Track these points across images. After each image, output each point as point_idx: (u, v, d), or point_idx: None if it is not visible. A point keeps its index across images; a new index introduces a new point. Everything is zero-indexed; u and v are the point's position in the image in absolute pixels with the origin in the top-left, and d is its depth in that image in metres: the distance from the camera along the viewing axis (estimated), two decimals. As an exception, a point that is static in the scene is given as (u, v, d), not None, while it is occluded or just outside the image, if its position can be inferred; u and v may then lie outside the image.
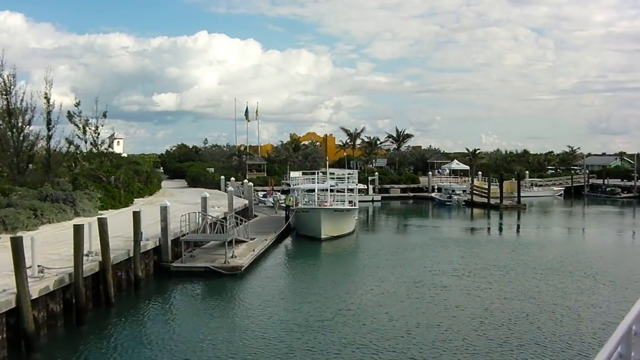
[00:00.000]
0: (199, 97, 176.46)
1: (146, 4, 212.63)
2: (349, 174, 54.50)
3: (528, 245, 42.69)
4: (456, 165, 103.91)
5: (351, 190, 51.40)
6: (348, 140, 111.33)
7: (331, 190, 49.46)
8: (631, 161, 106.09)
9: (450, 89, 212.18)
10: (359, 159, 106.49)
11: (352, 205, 48.90)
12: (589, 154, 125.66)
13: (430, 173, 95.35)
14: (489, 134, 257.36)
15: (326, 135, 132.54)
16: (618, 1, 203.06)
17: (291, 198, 50.37)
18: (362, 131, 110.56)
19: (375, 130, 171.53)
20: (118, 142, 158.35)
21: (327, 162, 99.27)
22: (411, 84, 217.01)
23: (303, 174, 57.64)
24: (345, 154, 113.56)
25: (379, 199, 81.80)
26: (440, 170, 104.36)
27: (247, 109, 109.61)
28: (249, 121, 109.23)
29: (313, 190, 48.32)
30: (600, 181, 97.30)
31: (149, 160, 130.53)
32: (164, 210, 32.20)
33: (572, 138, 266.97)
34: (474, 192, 77.11)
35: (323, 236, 43.15)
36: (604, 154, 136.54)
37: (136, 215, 28.95)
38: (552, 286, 28.48)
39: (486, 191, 73.77)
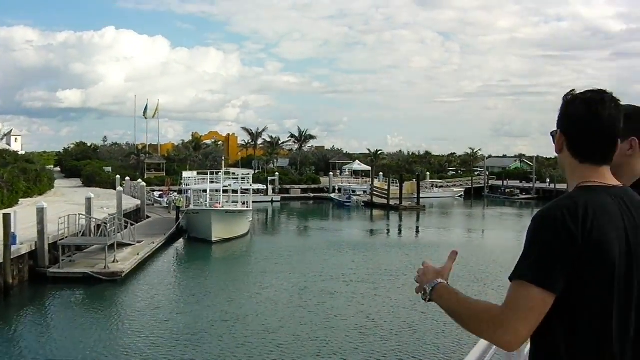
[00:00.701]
0: (105, 94, 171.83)
1: None
2: (243, 174, 53.00)
3: (421, 248, 43.74)
4: (357, 166, 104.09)
5: (246, 190, 50.98)
6: (250, 140, 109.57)
7: (225, 191, 48.72)
8: (530, 163, 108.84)
9: (358, 90, 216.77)
10: (260, 159, 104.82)
11: (245, 207, 48.26)
12: (490, 156, 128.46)
13: (331, 174, 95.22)
14: (395, 135, 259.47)
15: (228, 134, 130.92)
16: (521, 8, 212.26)
17: (181, 199, 49.45)
18: (263, 131, 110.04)
19: (282, 130, 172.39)
20: (16, 139, 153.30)
21: (225, 162, 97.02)
22: (319, 84, 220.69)
23: (198, 173, 55.68)
24: (247, 153, 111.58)
25: (279, 199, 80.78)
26: (341, 170, 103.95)
27: (146, 106, 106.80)
28: (146, 118, 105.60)
29: (206, 191, 47.68)
30: (499, 183, 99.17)
31: (47, 159, 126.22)
32: (40, 212, 30.73)
33: (475, 140, 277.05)
34: (374, 193, 77.09)
35: (214, 239, 42.32)
36: (504, 156, 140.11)
37: (6, 218, 27.61)
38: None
39: (386, 192, 73.43)
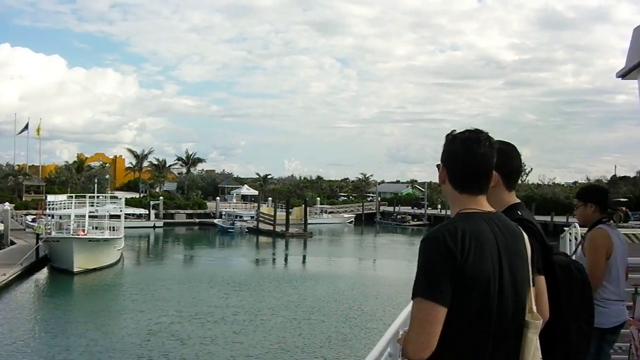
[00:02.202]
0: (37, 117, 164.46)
1: None
2: (113, 198, 50.40)
3: (299, 280, 42.22)
4: (246, 190, 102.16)
5: (115, 216, 49.11)
6: (135, 163, 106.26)
7: (93, 217, 46.73)
8: (422, 189, 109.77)
9: (256, 115, 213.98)
10: (145, 182, 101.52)
11: (114, 234, 46.13)
12: (382, 182, 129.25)
13: (218, 198, 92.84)
14: (292, 160, 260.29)
15: (115, 156, 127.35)
16: (418, 37, 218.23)
17: (40, 225, 46.71)
18: (149, 153, 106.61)
19: (180, 153, 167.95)
20: None
21: (111, 185, 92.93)
22: (217, 107, 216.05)
23: (75, 197, 52.37)
24: (135, 176, 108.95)
25: (161, 224, 77.38)
26: (228, 195, 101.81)
27: (27, 124, 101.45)
28: (17, 134, 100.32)
29: (80, 216, 45.64)
30: (391, 209, 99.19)
31: None
32: None
33: (372, 166, 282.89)
34: (260, 219, 74.81)
35: (76, 269, 40.04)
36: (398, 182, 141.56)
37: None
38: (311, 336, 26.41)
39: (272, 218, 71.58)
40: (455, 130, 3.07)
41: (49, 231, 44.78)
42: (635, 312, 6.94)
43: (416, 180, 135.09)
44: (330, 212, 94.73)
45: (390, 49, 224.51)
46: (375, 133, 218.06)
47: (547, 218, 69.18)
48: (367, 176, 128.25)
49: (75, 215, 45.60)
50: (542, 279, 3.42)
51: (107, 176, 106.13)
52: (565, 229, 12.56)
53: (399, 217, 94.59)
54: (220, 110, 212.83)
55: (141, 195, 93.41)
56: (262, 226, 74.33)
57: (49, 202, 51.11)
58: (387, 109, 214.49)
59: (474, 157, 2.96)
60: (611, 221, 6.16)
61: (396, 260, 52.05)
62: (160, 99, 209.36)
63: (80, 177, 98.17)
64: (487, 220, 2.88)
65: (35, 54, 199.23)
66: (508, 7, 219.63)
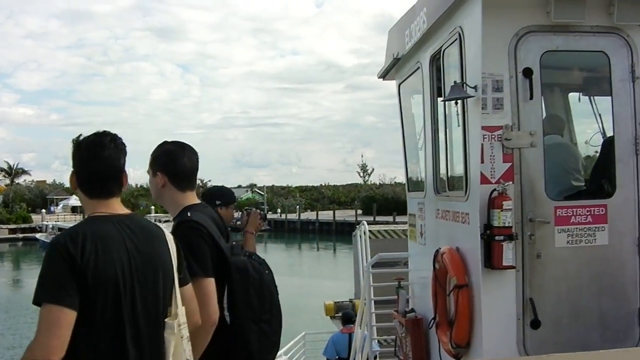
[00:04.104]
0: None
1: None
2: None
3: None
4: (75, 200, 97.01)
5: None
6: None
7: None
8: (262, 192, 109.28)
9: (97, 123, 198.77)
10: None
11: None
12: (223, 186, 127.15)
13: (43, 211, 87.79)
14: (137, 167, 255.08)
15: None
16: (258, 42, 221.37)
17: None
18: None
19: (22, 164, 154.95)
20: None
21: None
22: (57, 116, 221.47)
23: None
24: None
25: None
26: (55, 207, 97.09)
27: None
28: None
29: None
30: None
31: None
32: None
33: (217, 171, 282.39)
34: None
35: None
36: (239, 187, 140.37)
37: None
38: None
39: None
40: (81, 135, 3.15)
41: None
42: (399, 306, 7.42)
43: (255, 185, 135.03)
44: (166, 221, 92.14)
45: (232, 54, 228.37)
46: (219, 139, 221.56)
47: (390, 218, 70.70)
48: (204, 181, 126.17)
49: None
50: (207, 282, 3.62)
51: None
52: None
53: (238, 223, 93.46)
54: (61, 119, 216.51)
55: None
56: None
57: None
58: (230, 114, 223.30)
59: (99, 161, 3.04)
60: None
61: None
62: None
63: None
64: (115, 222, 2.96)
65: None
66: (345, 13, 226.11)
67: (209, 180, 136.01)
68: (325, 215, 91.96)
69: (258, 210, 6.74)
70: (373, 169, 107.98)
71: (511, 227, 4.87)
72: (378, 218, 70.44)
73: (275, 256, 68.08)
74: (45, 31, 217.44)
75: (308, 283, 38.81)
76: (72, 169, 3.12)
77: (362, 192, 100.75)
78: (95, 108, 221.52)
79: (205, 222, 3.84)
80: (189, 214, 3.82)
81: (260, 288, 4.02)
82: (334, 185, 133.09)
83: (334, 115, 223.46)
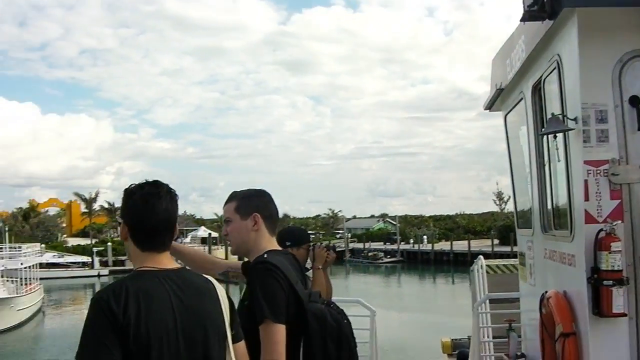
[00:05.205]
0: None
1: None
2: (12, 249, 48.58)
3: None
4: (203, 232, 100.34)
5: (55, 265, 46.69)
6: (85, 207, 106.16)
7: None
8: (394, 222, 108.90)
9: (233, 155, 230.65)
10: (93, 228, 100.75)
11: (8, 293, 43.46)
12: (354, 217, 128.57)
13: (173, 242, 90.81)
14: (274, 198, 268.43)
15: (70, 201, 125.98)
16: (388, 72, 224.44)
17: None
18: (97, 196, 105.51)
19: None
20: None
21: (66, 231, 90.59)
22: (193, 150, 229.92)
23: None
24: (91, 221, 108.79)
25: (107, 273, 75.95)
26: (183, 238, 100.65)
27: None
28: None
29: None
30: (361, 245, 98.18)
31: None
32: None
33: (352, 201, 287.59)
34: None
35: None
36: (372, 216, 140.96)
37: None
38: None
39: (226, 262, 70.30)
40: (133, 184, 3.07)
41: None
42: (510, 349, 7.26)
43: (386, 214, 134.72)
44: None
45: (362, 85, 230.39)
46: (353, 169, 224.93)
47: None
48: (335, 212, 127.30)
49: None
50: (277, 328, 3.57)
51: (64, 223, 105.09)
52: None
53: (370, 254, 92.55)
54: (197, 152, 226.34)
55: (92, 242, 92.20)
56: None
57: None
58: (363, 144, 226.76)
59: (156, 213, 2.96)
60: None
61: (382, 308, 49.40)
62: (136, 143, 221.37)
63: (24, 225, 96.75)
64: (162, 278, 2.89)
65: (8, 102, 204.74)
66: (476, 40, 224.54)
67: (340, 211, 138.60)
68: (460, 245, 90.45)
69: (324, 244, 6.50)
70: (509, 197, 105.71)
71: (621, 270, 4.53)
72: (516, 248, 68.13)
73: (408, 289, 67.48)
74: (180, 68, 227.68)
75: (438, 319, 37.89)
76: (121, 219, 3.04)
77: (499, 221, 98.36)
78: (229, 141, 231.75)
79: (283, 265, 3.78)
80: (265, 256, 3.78)
81: (339, 338, 3.91)
82: (469, 214, 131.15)
83: (468, 143, 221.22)
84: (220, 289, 3.10)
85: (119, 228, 3.19)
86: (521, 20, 5.27)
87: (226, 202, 4.10)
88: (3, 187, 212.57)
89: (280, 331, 3.59)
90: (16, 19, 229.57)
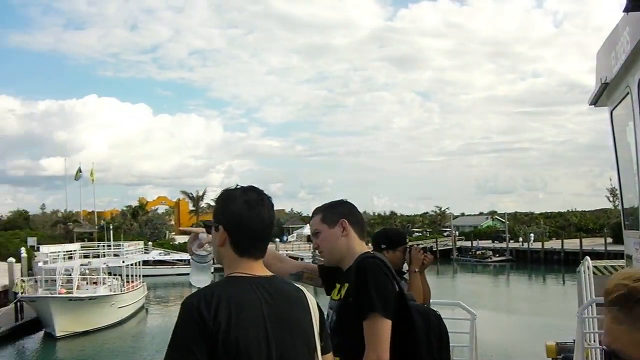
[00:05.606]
0: (89, 161, 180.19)
1: (32, 66, 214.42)
2: (116, 247, 49.35)
3: None
4: (308, 230, 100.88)
5: (162, 262, 47.59)
6: (192, 205, 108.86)
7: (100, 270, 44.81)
8: (503, 220, 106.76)
9: (341, 152, 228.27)
10: (200, 225, 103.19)
11: (109, 291, 43.56)
12: (462, 214, 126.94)
13: (277, 240, 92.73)
14: (381, 196, 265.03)
15: (179, 199, 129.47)
16: (497, 66, 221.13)
17: (18, 283, 43.42)
18: (204, 194, 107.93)
19: (269, 194, 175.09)
20: None
21: (173, 229, 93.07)
22: (302, 147, 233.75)
23: (83, 247, 52.48)
24: (198, 219, 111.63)
25: (212, 270, 77.35)
26: (289, 235, 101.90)
27: (79, 168, 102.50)
28: (76, 179, 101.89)
29: (68, 272, 42.09)
30: (469, 243, 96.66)
31: None
32: None
33: (461, 198, 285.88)
34: (316, 261, 73.36)
35: (59, 333, 37.44)
36: (481, 213, 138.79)
37: None
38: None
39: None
40: (230, 189, 3.05)
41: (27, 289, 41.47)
42: None
43: (495, 211, 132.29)
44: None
45: (471, 80, 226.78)
46: (462, 165, 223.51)
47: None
48: (442, 209, 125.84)
49: (89, 269, 44.56)
50: (385, 323, 3.54)
51: (172, 221, 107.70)
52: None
53: (478, 252, 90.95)
54: (305, 150, 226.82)
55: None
56: (320, 269, 73.28)
57: (41, 253, 49.72)
58: (472, 140, 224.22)
59: (259, 219, 2.95)
60: None
61: (488, 309, 39.66)
62: (246, 141, 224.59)
63: (132, 223, 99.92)
64: (255, 285, 2.86)
65: (121, 103, 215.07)
66: (586, 31, 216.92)
67: (447, 208, 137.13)
68: (572, 244, 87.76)
69: (419, 246, 6.42)
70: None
71: None
72: (628, 249, 65.57)
73: (516, 289, 66.13)
74: (287, 66, 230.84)
75: (546, 321, 36.75)
76: (216, 224, 2.97)
77: (612, 219, 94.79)
78: (337, 138, 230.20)
79: (387, 262, 3.79)
80: (370, 252, 3.86)
81: (440, 335, 3.97)
82: (581, 211, 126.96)
83: (580, 137, 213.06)
84: (310, 299, 3.07)
85: (212, 233, 3.13)
86: (624, 11, 5.02)
87: (311, 217, 4.17)
88: (118, 186, 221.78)
89: (387, 326, 3.57)
90: (127, 23, 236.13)
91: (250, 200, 2.95)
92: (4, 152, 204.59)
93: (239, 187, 3.06)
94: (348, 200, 4.14)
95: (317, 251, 4.18)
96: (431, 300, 6.23)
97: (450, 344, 4.29)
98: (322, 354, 3.03)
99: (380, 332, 3.53)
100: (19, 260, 53.33)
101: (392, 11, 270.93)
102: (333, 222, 4.01)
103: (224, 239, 2.96)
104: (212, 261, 3.69)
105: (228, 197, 3.00)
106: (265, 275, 2.95)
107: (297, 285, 3.14)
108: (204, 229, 3.60)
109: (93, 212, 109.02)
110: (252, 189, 3.03)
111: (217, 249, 3.05)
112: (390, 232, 6.32)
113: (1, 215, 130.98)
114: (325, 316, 3.35)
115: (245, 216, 2.93)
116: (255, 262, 2.95)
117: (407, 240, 6.47)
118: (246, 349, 2.69)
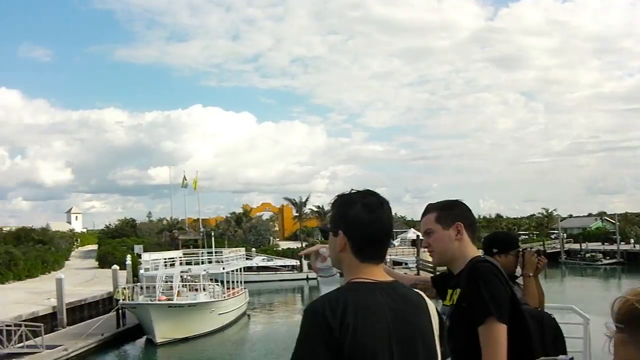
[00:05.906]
0: (195, 170, 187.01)
1: (138, 79, 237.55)
2: (218, 253, 49.70)
3: None
4: (412, 234, 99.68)
5: (215, 280, 48.16)
6: (295, 211, 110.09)
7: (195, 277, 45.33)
8: (613, 221, 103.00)
9: (445, 156, 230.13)
10: (304, 231, 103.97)
11: (210, 297, 43.92)
12: (570, 216, 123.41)
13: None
14: (487, 198, 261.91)
15: (282, 206, 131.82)
16: (602, 63, 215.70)
17: (119, 290, 43.57)
18: (307, 200, 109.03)
19: None
20: (76, 217, 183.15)
21: (278, 235, 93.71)
22: (406, 151, 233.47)
23: (183, 254, 55.08)
24: (302, 225, 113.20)
25: (314, 277, 77.34)
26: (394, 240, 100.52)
27: (184, 177, 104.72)
28: (184, 187, 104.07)
29: (170, 279, 42.83)
30: (577, 246, 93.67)
31: (89, 238, 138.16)
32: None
33: (568, 199, 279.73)
34: (420, 266, 72.13)
35: (159, 340, 38.01)
36: (590, 215, 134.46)
37: None
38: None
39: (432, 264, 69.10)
40: (347, 193, 3.03)
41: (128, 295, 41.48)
42: None
43: (605, 212, 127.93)
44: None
45: (576, 78, 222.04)
46: (569, 165, 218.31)
47: None
48: (549, 211, 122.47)
49: (190, 275, 45.06)
50: (501, 328, 3.48)
51: (276, 227, 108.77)
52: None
53: (587, 255, 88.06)
54: (409, 154, 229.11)
55: (302, 245, 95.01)
56: (422, 274, 71.93)
57: (144, 260, 50.78)
58: (579, 139, 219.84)
59: (381, 224, 2.91)
60: None
61: (599, 315, 45.20)
62: (349, 147, 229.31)
63: (236, 229, 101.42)
64: (378, 290, 2.83)
65: (225, 112, 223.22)
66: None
67: (554, 210, 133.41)
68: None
69: (534, 249, 6.02)
70: None
71: None
72: None
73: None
74: (388, 70, 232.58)
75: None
76: (335, 229, 2.96)
77: None
78: (441, 141, 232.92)
79: (500, 266, 3.76)
80: (481, 256, 3.85)
81: (555, 337, 4.06)
82: None
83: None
84: (430, 304, 3.03)
85: (330, 238, 3.07)
86: None
87: (423, 215, 4.08)
88: (224, 194, 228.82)
89: (503, 331, 3.51)
90: (229, 33, 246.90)
91: (370, 204, 2.91)
92: (114, 162, 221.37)
93: (355, 191, 3.02)
94: (462, 201, 4.10)
95: (425, 251, 4.35)
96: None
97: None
98: (442, 359, 3.01)
99: (497, 336, 3.50)
100: (123, 267, 54.57)
101: (493, 11, 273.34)
102: (448, 224, 3.96)
103: (344, 244, 2.93)
104: (338, 273, 3.47)
105: (347, 201, 2.95)
106: (387, 281, 2.93)
107: (417, 291, 3.09)
108: (322, 246, 3.55)
109: (198, 219, 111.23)
110: (370, 193, 3.00)
111: (336, 255, 3.03)
112: (501, 236, 6.40)
113: (110, 224, 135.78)
114: None
115: (365, 220, 2.89)
116: (376, 267, 2.93)
117: (519, 243, 6.20)
118: (371, 354, 2.68)
